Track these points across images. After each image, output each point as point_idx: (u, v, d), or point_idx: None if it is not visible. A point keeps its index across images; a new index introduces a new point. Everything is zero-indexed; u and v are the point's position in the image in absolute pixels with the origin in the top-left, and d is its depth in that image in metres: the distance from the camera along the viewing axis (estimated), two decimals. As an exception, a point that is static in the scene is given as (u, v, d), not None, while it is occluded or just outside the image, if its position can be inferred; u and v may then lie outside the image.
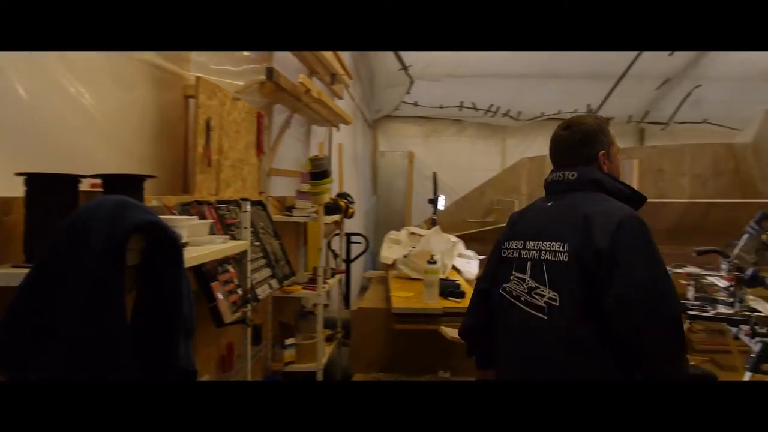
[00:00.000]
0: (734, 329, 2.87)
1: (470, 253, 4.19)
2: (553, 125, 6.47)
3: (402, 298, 3.00)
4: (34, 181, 1.11)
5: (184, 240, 1.33)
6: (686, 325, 2.63)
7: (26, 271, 0.95)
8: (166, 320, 1.02)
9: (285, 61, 3.25)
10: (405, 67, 6.60)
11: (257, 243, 2.41)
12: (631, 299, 1.31)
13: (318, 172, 2.87)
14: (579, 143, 1.55)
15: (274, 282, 2.49)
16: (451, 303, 2.90)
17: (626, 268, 1.32)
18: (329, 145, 4.76)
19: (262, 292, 2.30)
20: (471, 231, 5.43)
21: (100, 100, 1.63)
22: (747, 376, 2.67)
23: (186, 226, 1.51)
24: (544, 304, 1.45)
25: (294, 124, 3.63)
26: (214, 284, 1.92)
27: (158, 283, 1.02)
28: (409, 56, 6.37)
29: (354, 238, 5.12)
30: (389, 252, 4.00)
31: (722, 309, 2.87)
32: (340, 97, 4.59)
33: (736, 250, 2.91)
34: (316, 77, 3.95)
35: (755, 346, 2.71)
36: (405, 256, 3.65)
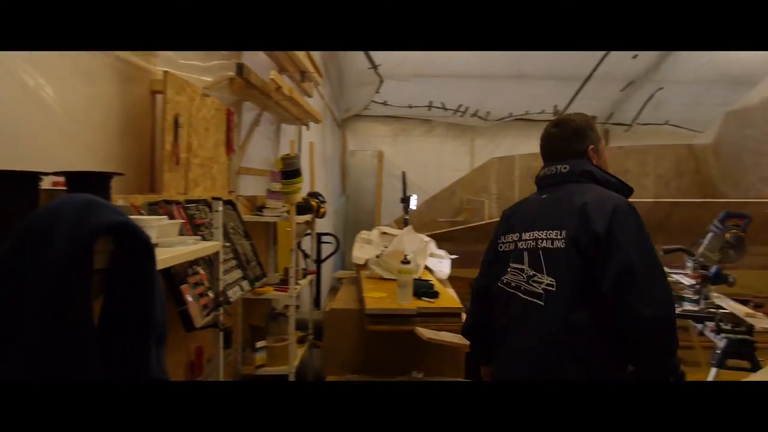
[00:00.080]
0: (700, 326, 2.94)
1: (442, 252, 4.19)
2: (521, 126, 6.57)
3: (375, 298, 2.96)
4: (-11, 178, 1.03)
5: (153, 241, 1.27)
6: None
7: (-18, 275, 0.88)
8: (137, 328, 0.95)
9: (254, 58, 3.18)
10: (374, 66, 6.56)
11: (228, 244, 2.34)
12: (627, 280, 1.36)
13: (290, 170, 2.81)
14: (569, 139, 1.63)
15: (245, 284, 2.42)
16: (425, 303, 2.87)
17: (622, 250, 1.38)
18: (299, 144, 4.69)
19: (234, 294, 2.23)
20: (442, 230, 5.43)
21: (61, 94, 1.54)
22: (712, 372, 2.73)
23: (155, 227, 1.44)
24: (542, 291, 1.49)
25: (264, 122, 3.55)
26: (183, 287, 1.85)
27: (129, 288, 0.96)
28: (378, 55, 6.34)
29: (324, 238, 5.06)
30: (361, 252, 3.96)
31: (688, 306, 2.93)
32: (309, 96, 4.52)
33: (701, 249, 2.97)
34: (286, 75, 3.88)
35: (720, 342, 2.78)
36: (377, 256, 3.61)
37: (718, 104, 6.66)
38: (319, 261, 4.69)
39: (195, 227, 2.06)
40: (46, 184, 1.16)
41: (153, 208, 1.81)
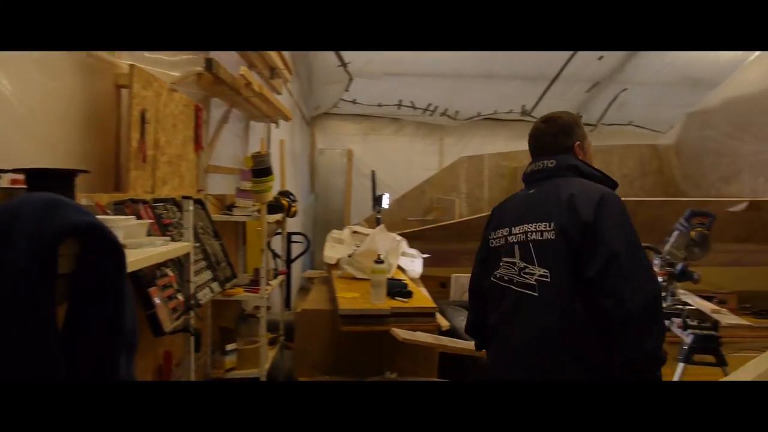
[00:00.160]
0: (667, 322, 2.99)
1: (414, 251, 4.17)
2: (490, 125, 6.61)
3: (348, 299, 2.92)
4: (-58, 176, 0.96)
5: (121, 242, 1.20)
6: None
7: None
8: (106, 336, 0.89)
9: (223, 53, 3.09)
10: (344, 64, 6.50)
11: (197, 244, 2.26)
12: (612, 266, 1.39)
13: (260, 168, 2.74)
14: (557, 134, 1.68)
15: (215, 285, 2.35)
16: (399, 303, 2.85)
17: (608, 237, 1.42)
18: (268, 142, 4.61)
19: (204, 296, 2.16)
20: (412, 229, 5.42)
21: (19, 87, 1.45)
22: (680, 367, 2.79)
23: (122, 227, 1.37)
24: (534, 282, 1.52)
25: (232, 119, 3.47)
26: (151, 289, 1.77)
27: (97, 293, 0.90)
28: (348, 53, 6.28)
29: (294, 238, 4.98)
30: (332, 251, 3.91)
31: (656, 303, 2.99)
32: (279, 93, 4.44)
33: (667, 247, 3.03)
34: (255, 71, 3.80)
35: (687, 338, 2.84)
36: (349, 256, 3.57)
37: (679, 106, 6.84)
38: (289, 261, 4.62)
39: (163, 227, 1.98)
40: (3, 182, 1.09)
41: (119, 208, 1.73)
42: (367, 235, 3.94)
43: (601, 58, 6.67)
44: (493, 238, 1.71)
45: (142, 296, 1.73)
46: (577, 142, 1.69)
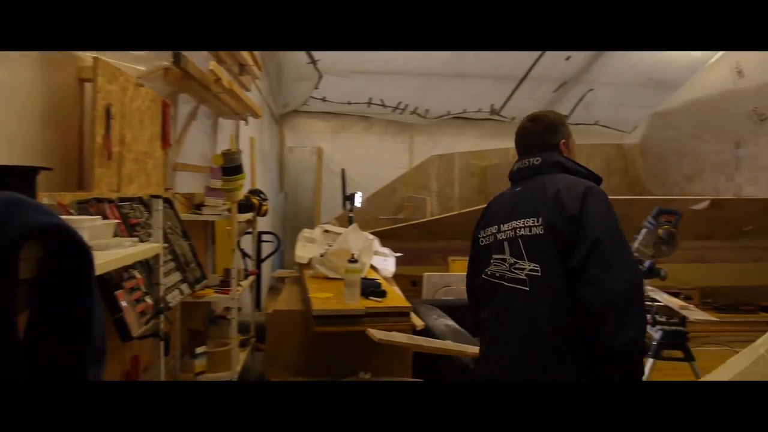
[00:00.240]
0: (637, 318, 3.04)
1: (386, 250, 4.15)
2: (459, 124, 6.65)
3: (321, 299, 2.87)
4: None
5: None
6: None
7: None
8: (73, 346, 0.83)
9: (191, 47, 3.00)
10: (313, 61, 6.43)
11: (166, 245, 2.18)
12: (594, 254, 1.42)
13: (231, 166, 2.67)
14: (542, 132, 1.72)
15: (185, 287, 2.27)
16: (373, 303, 2.81)
17: (591, 227, 1.45)
18: (238, 139, 4.51)
19: (173, 298, 2.09)
20: (383, 228, 5.40)
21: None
22: (649, 362, 2.84)
23: (88, 228, 1.31)
24: (525, 277, 1.55)
25: (200, 115, 3.38)
26: (118, 293, 1.70)
27: (62, 300, 0.83)
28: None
29: (263, 237, 4.90)
30: (304, 251, 3.85)
31: (626, 300, 3.03)
32: (248, 90, 4.35)
33: (635, 244, 3.07)
34: (224, 67, 3.71)
35: (656, 334, 2.89)
36: (322, 255, 3.52)
37: (643, 106, 6.99)
38: (259, 261, 4.53)
39: (130, 227, 1.90)
40: (-43, 180, 1.01)
41: (83, 207, 1.65)
42: (339, 234, 3.89)
43: (568, 58, 6.77)
44: (483, 237, 1.74)
45: (109, 300, 1.66)
46: (563, 140, 1.72)
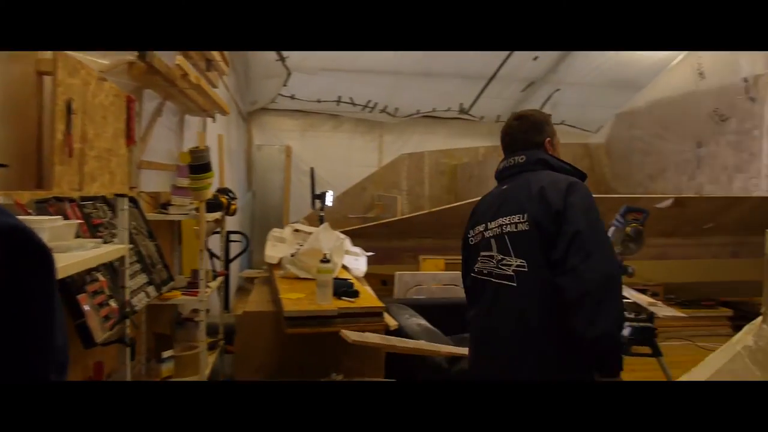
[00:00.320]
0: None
1: (357, 249, 4.11)
2: (428, 122, 6.66)
3: (293, 300, 2.82)
4: None
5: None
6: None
7: None
8: (33, 357, 0.77)
9: (156, 41, 2.90)
10: (282, 58, 6.34)
11: (131, 246, 2.10)
12: (573, 245, 1.45)
13: (199, 164, 2.59)
14: (528, 130, 1.75)
15: (151, 289, 2.19)
16: (345, 303, 2.77)
17: (572, 220, 1.48)
18: (205, 137, 4.40)
19: (139, 301, 2.01)
20: (354, 227, 5.36)
21: None
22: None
23: (47, 229, 1.23)
24: (512, 273, 1.58)
25: (166, 112, 3.27)
26: (80, 296, 1.62)
27: (21, 307, 0.77)
28: (286, 47, 6.13)
29: (231, 237, 4.80)
30: (274, 251, 3.78)
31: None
32: (215, 86, 4.24)
33: (604, 242, 3.11)
34: (190, 62, 3.60)
35: (624, 331, 2.94)
36: (292, 255, 3.46)
37: (607, 106, 7.13)
38: (227, 261, 4.44)
39: (93, 228, 1.82)
40: None
41: (42, 207, 1.56)
42: (310, 233, 3.84)
43: (536, 58, 6.85)
44: (472, 236, 1.77)
45: (70, 304, 1.58)
46: (548, 138, 1.76)
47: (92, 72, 1.99)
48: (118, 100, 2.27)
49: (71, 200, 1.76)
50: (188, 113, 3.85)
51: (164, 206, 2.81)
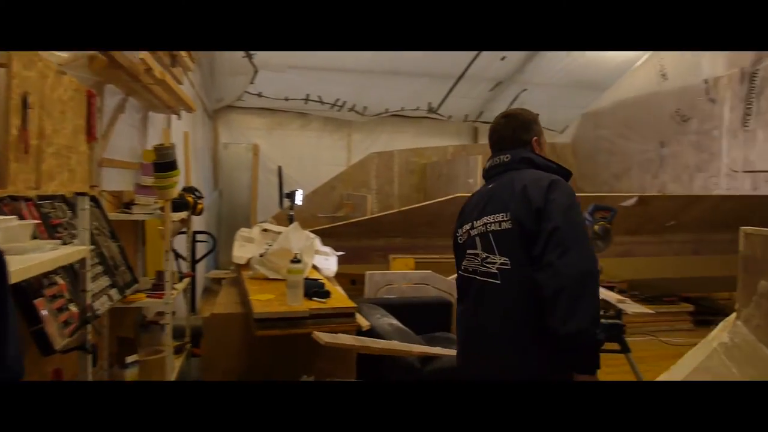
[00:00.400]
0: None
1: (327, 249, 4.06)
2: (397, 121, 6.64)
3: (263, 301, 2.75)
4: None
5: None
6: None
7: None
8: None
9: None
10: (249, 56, 6.23)
11: (92, 247, 2.01)
12: (551, 242, 1.46)
13: (164, 162, 2.50)
14: (516, 129, 1.76)
15: (114, 292, 2.11)
16: (317, 304, 2.72)
17: (551, 216, 1.49)
18: (170, 134, 4.28)
19: (101, 305, 1.92)
20: (323, 226, 5.31)
21: None
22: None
23: (1, 229, 1.16)
24: (496, 270, 1.59)
25: (129, 108, 3.16)
26: (37, 301, 1.53)
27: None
28: (253, 43, 6.01)
29: (198, 237, 4.69)
30: (242, 251, 3.70)
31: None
32: (180, 83, 4.13)
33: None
34: (154, 57, 3.49)
35: (594, 328, 2.97)
36: (261, 255, 3.39)
37: (573, 107, 7.24)
38: (194, 262, 4.33)
39: (51, 228, 1.73)
40: None
41: (-5, 207, 1.48)
42: (279, 233, 3.77)
43: (503, 58, 6.91)
44: (460, 236, 1.79)
45: (26, 309, 1.49)
46: (534, 137, 1.77)
47: (50, 65, 1.89)
48: (78, 94, 2.17)
49: (27, 199, 1.67)
50: (152, 110, 3.74)
51: (127, 205, 2.71)
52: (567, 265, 1.43)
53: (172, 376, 2.69)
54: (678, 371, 1.42)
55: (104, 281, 2.06)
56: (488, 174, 1.79)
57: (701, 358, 1.37)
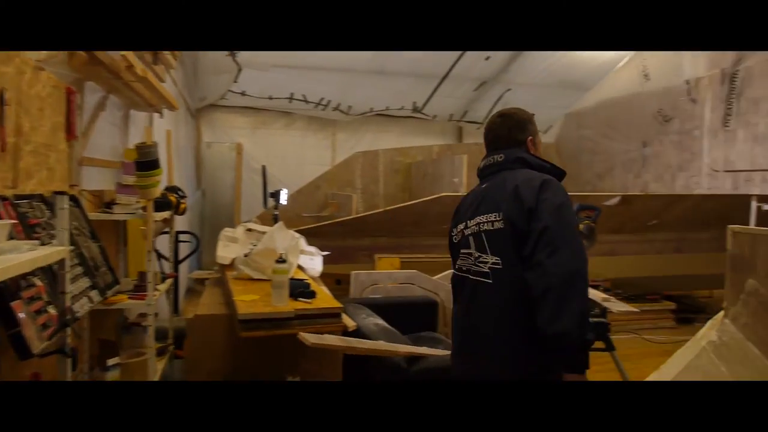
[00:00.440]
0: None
1: (313, 249, 4.03)
2: (382, 121, 6.64)
3: (247, 302, 2.72)
4: None
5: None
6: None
7: None
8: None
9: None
10: (232, 54, 6.16)
11: (72, 247, 1.96)
12: (541, 241, 1.46)
13: (146, 161, 2.46)
14: (512, 128, 1.75)
15: (94, 294, 2.06)
16: (302, 305, 2.70)
17: (542, 215, 1.50)
18: (152, 132, 4.21)
19: (81, 307, 1.88)
20: (308, 226, 5.27)
21: None
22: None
23: (-24, 230, 1.12)
24: (488, 270, 1.60)
25: (110, 106, 3.10)
26: (15, 303, 1.49)
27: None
28: (237, 41, 5.95)
29: (181, 237, 4.63)
30: (226, 251, 3.65)
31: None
32: (162, 80, 4.06)
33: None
34: (136, 54, 3.43)
35: (579, 326, 2.99)
36: (246, 255, 3.35)
37: (556, 107, 7.29)
38: (177, 262, 4.27)
39: (29, 229, 1.69)
40: None
41: (-30, 206, 1.43)
42: (264, 233, 3.73)
43: (487, 58, 6.93)
44: (455, 235, 1.80)
45: (3, 312, 1.45)
46: (530, 137, 1.76)
47: (28, 60, 1.84)
48: (56, 91, 2.12)
49: (4, 198, 1.62)
50: (134, 108, 3.67)
51: (108, 205, 2.66)
52: (556, 264, 1.43)
53: (155, 379, 2.64)
54: (668, 370, 1.43)
55: (84, 282, 2.01)
56: (482, 173, 1.79)
57: (691, 357, 1.38)
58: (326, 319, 2.65)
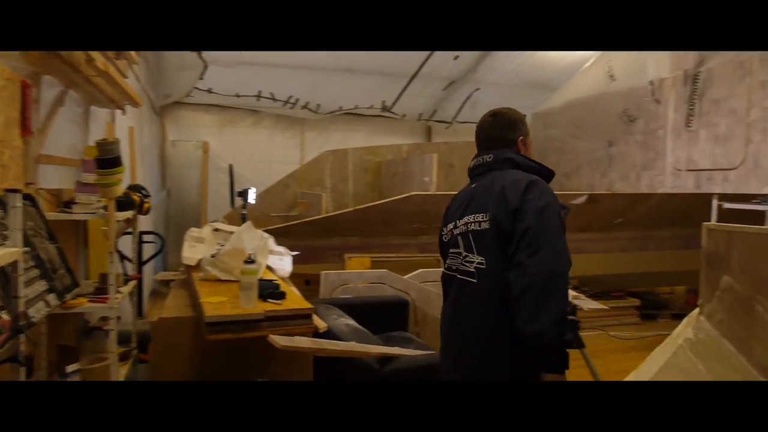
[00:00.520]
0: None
1: (282, 249, 3.96)
2: (351, 119, 6.62)
3: (214, 304, 2.64)
4: None
5: None
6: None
7: None
8: None
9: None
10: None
11: (26, 249, 1.86)
12: (522, 242, 1.46)
13: (108, 158, 2.36)
14: (503, 127, 1.76)
15: (52, 297, 1.96)
16: (272, 306, 2.64)
17: (525, 216, 1.50)
18: (114, 129, 4.07)
19: (37, 312, 1.78)
20: (276, 226, 5.19)
21: None
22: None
23: None
24: (473, 269, 1.62)
25: (69, 102, 2.98)
26: (-36, 309, 1.40)
27: None
28: (203, 37, 5.82)
29: (145, 238, 4.49)
30: (192, 252, 3.56)
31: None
32: (125, 76, 3.93)
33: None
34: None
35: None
36: (213, 256, 3.27)
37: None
38: (141, 263, 4.14)
39: (-20, 229, 1.59)
40: None
41: None
42: (231, 233, 3.65)
43: (456, 58, 6.96)
44: (444, 234, 1.81)
45: (-48, 318, 1.36)
46: (521, 137, 1.77)
47: (-22, 51, 1.74)
48: (10, 84, 2.01)
49: (-48, 198, 1.52)
50: (95, 104, 3.54)
51: (67, 204, 2.54)
52: (535, 264, 1.43)
53: (118, 385, 2.54)
54: (647, 368, 1.44)
55: (41, 286, 1.91)
56: (472, 173, 1.80)
57: (668, 355, 1.38)
58: (297, 321, 2.60)
